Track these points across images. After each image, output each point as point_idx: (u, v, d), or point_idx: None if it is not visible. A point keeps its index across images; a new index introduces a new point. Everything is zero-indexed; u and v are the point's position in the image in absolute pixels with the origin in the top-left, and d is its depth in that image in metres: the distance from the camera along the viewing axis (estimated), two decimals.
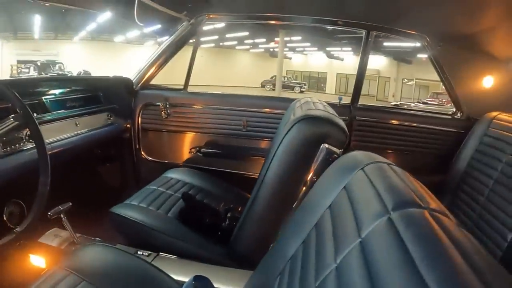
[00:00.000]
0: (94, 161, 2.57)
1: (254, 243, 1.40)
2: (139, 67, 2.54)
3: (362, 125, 2.31)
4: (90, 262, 1.27)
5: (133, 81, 2.50)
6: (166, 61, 2.53)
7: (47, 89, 1.98)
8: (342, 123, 1.26)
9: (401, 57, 25.92)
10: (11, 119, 1.27)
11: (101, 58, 24.44)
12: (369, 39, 2.30)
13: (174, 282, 1.24)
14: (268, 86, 28.23)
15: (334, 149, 1.21)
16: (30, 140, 1.64)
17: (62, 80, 1.82)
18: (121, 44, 28.35)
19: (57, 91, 2.04)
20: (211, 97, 2.44)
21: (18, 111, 1.27)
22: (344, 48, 28.40)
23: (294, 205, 1.26)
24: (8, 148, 1.50)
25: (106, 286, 1.16)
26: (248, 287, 1.05)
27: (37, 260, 1.68)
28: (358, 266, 0.55)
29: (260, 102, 2.31)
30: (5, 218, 1.78)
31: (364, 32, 2.29)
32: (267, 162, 1.55)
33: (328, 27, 2.55)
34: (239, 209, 1.72)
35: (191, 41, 2.55)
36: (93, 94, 2.31)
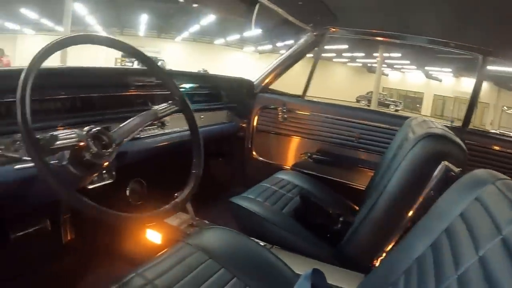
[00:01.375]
0: (209, 154, 2.73)
1: (366, 248, 1.45)
2: (241, 71, 2.67)
3: (472, 149, 2.26)
4: (216, 243, 1.37)
5: (254, 84, 2.66)
6: (286, 68, 2.66)
7: (181, 82, 2.11)
8: (462, 143, 1.30)
9: (504, 83, 24.23)
10: (172, 105, 1.39)
11: (200, 59, 25.18)
12: (485, 64, 2.25)
13: (292, 273, 1.31)
14: (363, 102, 27.81)
15: (453, 167, 1.24)
16: (160, 127, 1.82)
17: (195, 76, 1.96)
18: (220, 47, 29.17)
19: (187, 85, 2.20)
20: (327, 106, 2.51)
21: (176, 98, 1.40)
22: (443, 69, 27.20)
23: (409, 216, 1.31)
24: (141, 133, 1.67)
25: (231, 267, 1.24)
26: (366, 285, 1.10)
27: (154, 235, 1.82)
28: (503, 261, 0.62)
29: (374, 117, 2.35)
30: (127, 194, 1.97)
31: (480, 57, 2.25)
32: (381, 174, 1.61)
33: (442, 48, 2.51)
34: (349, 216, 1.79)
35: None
36: (216, 92, 2.48)
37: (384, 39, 2.63)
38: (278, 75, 2.68)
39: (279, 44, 24.49)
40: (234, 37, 25.33)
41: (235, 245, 1.39)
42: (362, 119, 2.35)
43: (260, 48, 27.40)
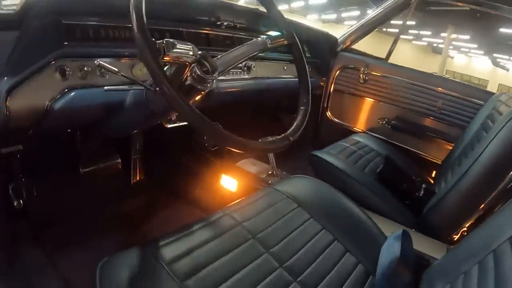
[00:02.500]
0: (285, 108, 2.70)
1: (452, 218, 1.40)
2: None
3: None
4: (304, 191, 1.34)
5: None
6: (371, 30, 2.54)
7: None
8: None
9: None
10: (281, 38, 1.31)
11: None
12: None
13: (379, 231, 1.27)
14: None
15: None
16: (247, 72, 1.78)
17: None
18: (283, 12, 28.79)
19: (273, 33, 2.11)
20: (411, 73, 2.39)
21: (285, 32, 1.31)
22: None
23: (500, 191, 1.26)
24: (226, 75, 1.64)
25: (319, 217, 1.22)
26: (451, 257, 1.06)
27: (230, 182, 1.80)
28: None
29: (460, 88, 2.22)
30: (204, 138, 1.95)
31: None
32: (463, 149, 1.55)
33: None
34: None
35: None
36: (301, 44, 2.40)
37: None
38: (362, 35, 2.56)
39: (344, 14, 23.98)
40: (298, 3, 24.85)
41: (323, 195, 1.36)
42: (446, 89, 2.23)
43: (324, 17, 26.79)
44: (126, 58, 1.26)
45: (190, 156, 2.06)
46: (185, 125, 1.27)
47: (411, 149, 2.35)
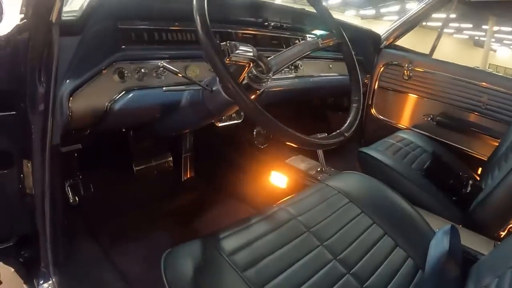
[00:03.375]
0: (331, 105, 2.74)
1: (499, 214, 1.41)
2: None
3: None
4: (354, 187, 1.37)
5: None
6: (414, 26, 2.56)
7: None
8: None
9: None
10: (332, 37, 1.34)
11: None
12: None
13: (428, 226, 1.29)
14: None
15: None
16: (294, 71, 1.82)
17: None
18: None
19: (318, 32, 2.14)
20: (456, 68, 2.37)
21: (334, 31, 1.34)
22: None
23: None
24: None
25: (370, 212, 1.25)
26: (502, 251, 1.07)
27: (279, 178, 1.85)
28: None
29: (505, 83, 2.19)
30: (253, 136, 2.01)
31: None
32: (508, 144, 1.53)
33: None
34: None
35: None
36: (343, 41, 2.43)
37: None
38: (405, 31, 2.57)
39: (383, 10, 23.59)
40: (336, 0, 24.61)
41: (373, 190, 1.39)
42: (491, 84, 2.21)
43: (362, 12, 26.45)
44: (180, 60, 1.32)
45: (239, 153, 2.12)
46: (234, 123, 1.33)
47: (457, 145, 2.34)
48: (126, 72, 1.17)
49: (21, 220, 1.19)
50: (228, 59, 0.93)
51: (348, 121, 1.18)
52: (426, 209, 1.53)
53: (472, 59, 24.23)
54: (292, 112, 2.41)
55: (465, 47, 29.92)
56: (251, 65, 1.01)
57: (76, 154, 1.55)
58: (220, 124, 1.25)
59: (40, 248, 1.13)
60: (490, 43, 23.37)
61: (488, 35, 22.49)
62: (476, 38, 28.55)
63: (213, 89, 1.05)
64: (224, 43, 0.93)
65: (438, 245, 1.16)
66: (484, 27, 22.96)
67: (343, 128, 1.16)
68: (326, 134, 1.09)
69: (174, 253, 0.93)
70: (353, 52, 1.35)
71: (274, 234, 1.06)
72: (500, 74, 2.47)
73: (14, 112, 1.04)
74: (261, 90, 1.07)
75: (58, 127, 1.06)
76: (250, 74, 1.02)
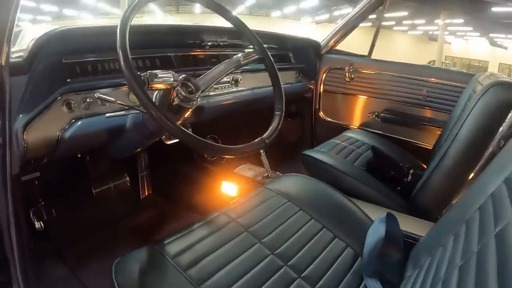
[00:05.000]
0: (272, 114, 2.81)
1: (438, 197, 1.47)
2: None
3: None
4: (293, 187, 1.43)
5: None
6: (351, 29, 2.67)
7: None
8: None
9: None
10: (253, 54, 1.45)
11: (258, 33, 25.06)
12: None
13: (366, 217, 1.36)
14: None
15: None
16: (234, 85, 1.92)
17: (263, 35, 1.98)
18: (277, 19, 28.80)
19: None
20: (394, 65, 2.50)
21: (256, 47, 1.45)
22: (509, 36, 25.58)
23: (479, 165, 1.32)
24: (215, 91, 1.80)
25: (308, 209, 1.31)
26: (436, 231, 1.12)
27: (230, 187, 1.92)
28: None
29: (442, 74, 2.32)
30: None
31: None
32: (449, 131, 1.62)
33: None
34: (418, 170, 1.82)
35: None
36: (285, 52, 2.54)
37: None
38: (343, 35, 2.69)
39: (336, 13, 24.01)
40: (290, 8, 24.94)
41: (311, 189, 1.45)
42: (429, 77, 2.33)
43: (317, 18, 26.81)
44: (122, 87, 1.41)
45: (192, 168, 2.20)
46: None
47: (404, 138, 2.45)
48: (73, 102, 1.25)
49: None
50: (149, 87, 1.03)
51: (270, 128, 1.28)
52: (370, 202, 1.61)
53: (428, 54, 24.78)
54: (239, 122, 2.49)
55: (420, 43, 30.57)
56: (175, 88, 1.10)
57: (37, 182, 1.62)
58: (169, 142, 1.32)
59: (11, 272, 1.17)
60: (443, 36, 24.02)
61: (441, 29, 23.12)
62: (430, 32, 29.17)
63: None
64: (145, 73, 1.04)
65: (375, 232, 1.22)
66: (436, 21, 23.58)
67: (264, 135, 1.25)
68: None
69: (124, 260, 1.00)
70: (275, 65, 1.45)
71: (214, 236, 1.12)
72: (436, 67, 2.59)
73: None
74: (193, 108, 1.15)
75: (16, 158, 1.14)
76: (180, 95, 1.12)
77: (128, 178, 2.06)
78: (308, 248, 1.16)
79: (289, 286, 1.02)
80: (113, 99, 1.17)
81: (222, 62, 1.37)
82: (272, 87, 1.49)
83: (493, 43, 28.81)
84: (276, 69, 1.46)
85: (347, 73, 2.56)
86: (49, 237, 1.73)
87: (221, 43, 1.95)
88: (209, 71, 1.31)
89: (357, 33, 2.72)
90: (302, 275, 1.06)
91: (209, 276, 0.97)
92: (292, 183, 1.48)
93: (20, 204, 1.24)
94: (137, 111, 1.21)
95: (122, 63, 0.98)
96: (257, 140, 1.25)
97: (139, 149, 1.74)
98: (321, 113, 2.77)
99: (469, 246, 0.75)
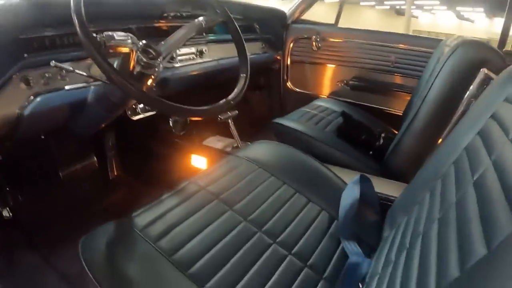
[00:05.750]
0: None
1: (410, 158, 1.48)
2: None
3: None
4: (263, 154, 1.42)
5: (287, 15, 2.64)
6: None
7: None
8: (500, 51, 1.30)
9: None
10: (216, 17, 1.40)
11: None
12: None
13: (340, 180, 1.36)
14: None
15: (493, 75, 1.24)
16: (199, 56, 1.86)
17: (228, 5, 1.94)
18: None
19: None
20: (361, 33, 2.48)
21: (218, 11, 1.41)
22: (476, 9, 26.13)
23: (450, 124, 1.33)
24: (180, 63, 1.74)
25: (280, 174, 1.30)
26: (411, 190, 1.12)
27: (199, 160, 1.91)
28: None
29: (410, 40, 2.32)
30: (170, 124, 2.06)
31: None
32: (419, 95, 1.62)
33: None
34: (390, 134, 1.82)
35: None
36: (250, 22, 2.47)
37: None
38: (309, 5, 2.64)
39: None
40: None
41: (282, 155, 1.44)
42: (397, 43, 2.32)
43: None
44: (83, 60, 1.33)
45: (160, 143, 2.15)
46: (149, 115, 1.36)
47: (374, 106, 2.45)
48: (31, 78, 1.18)
49: None
50: (107, 50, 0.97)
51: (235, 90, 1.24)
52: (343, 166, 1.61)
53: (396, 28, 24.96)
54: (208, 92, 2.46)
55: (388, 17, 30.84)
56: (136, 52, 1.04)
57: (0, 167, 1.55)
58: (135, 118, 1.27)
59: None
60: (410, 10, 24.20)
61: (408, 3, 23.28)
62: (397, 7, 29.48)
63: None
64: (100, 35, 0.98)
65: (349, 194, 1.22)
66: None
67: (230, 96, 1.22)
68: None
69: (91, 237, 0.96)
70: (258, 31, 1.41)
71: (184, 205, 1.09)
72: (403, 33, 2.59)
73: None
74: (155, 75, 1.10)
75: None
76: (141, 62, 1.07)
77: (96, 159, 2.01)
78: (282, 213, 1.15)
79: (265, 252, 1.00)
80: (71, 68, 1.11)
81: (183, 26, 1.31)
82: (238, 58, 1.45)
83: (459, 17, 29.31)
84: (241, 34, 1.41)
85: (314, 42, 2.53)
86: (18, 225, 1.67)
87: (184, 14, 1.88)
88: (170, 36, 1.25)
89: (324, 10, 2.70)
90: (277, 240, 1.05)
91: (181, 246, 0.95)
92: (263, 150, 1.46)
93: None
94: (98, 82, 1.16)
95: (77, 25, 0.93)
96: (222, 101, 1.21)
97: (103, 124, 1.70)
98: (289, 84, 2.75)
99: (446, 198, 0.75)
